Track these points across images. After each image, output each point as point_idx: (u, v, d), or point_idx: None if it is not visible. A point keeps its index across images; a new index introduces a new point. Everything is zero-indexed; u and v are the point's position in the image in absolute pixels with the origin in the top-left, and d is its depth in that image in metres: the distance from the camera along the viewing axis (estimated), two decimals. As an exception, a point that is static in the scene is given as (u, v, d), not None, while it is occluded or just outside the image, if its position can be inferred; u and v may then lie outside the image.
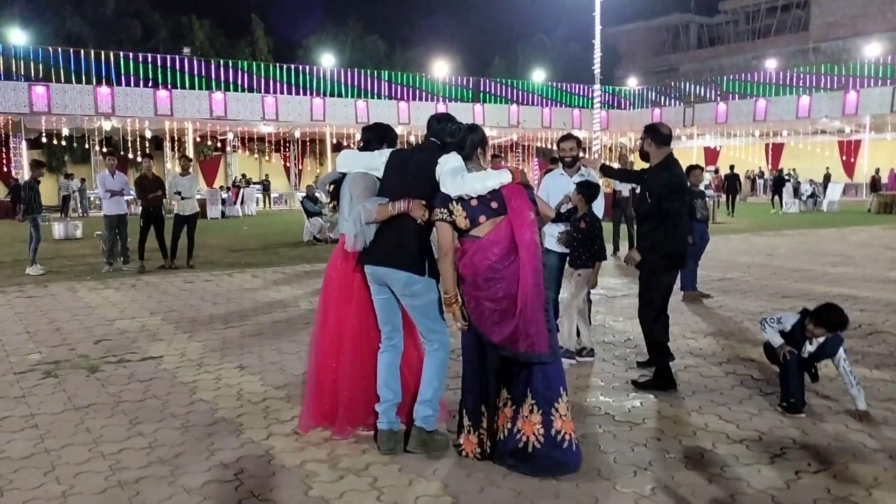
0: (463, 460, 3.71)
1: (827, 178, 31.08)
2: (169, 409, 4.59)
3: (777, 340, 4.52)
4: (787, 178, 31.14)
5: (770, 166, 39.43)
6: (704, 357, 5.72)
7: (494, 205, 3.60)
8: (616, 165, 16.13)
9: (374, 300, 3.92)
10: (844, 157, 36.99)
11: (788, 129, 37.75)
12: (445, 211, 3.64)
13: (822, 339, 4.41)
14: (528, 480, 3.47)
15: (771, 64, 44.17)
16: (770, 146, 40.23)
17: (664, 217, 4.69)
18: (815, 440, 3.96)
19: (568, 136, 5.81)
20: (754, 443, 3.93)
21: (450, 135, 3.88)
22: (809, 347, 4.45)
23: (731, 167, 27.29)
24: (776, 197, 26.88)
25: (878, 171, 28.82)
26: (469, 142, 3.80)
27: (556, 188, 5.70)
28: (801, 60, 46.24)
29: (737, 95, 39.12)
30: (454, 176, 3.63)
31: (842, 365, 4.30)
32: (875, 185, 27.40)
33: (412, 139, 31.24)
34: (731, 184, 24.66)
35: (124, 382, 5.15)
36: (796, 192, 27.64)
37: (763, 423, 4.23)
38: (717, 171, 31.14)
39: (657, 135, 4.83)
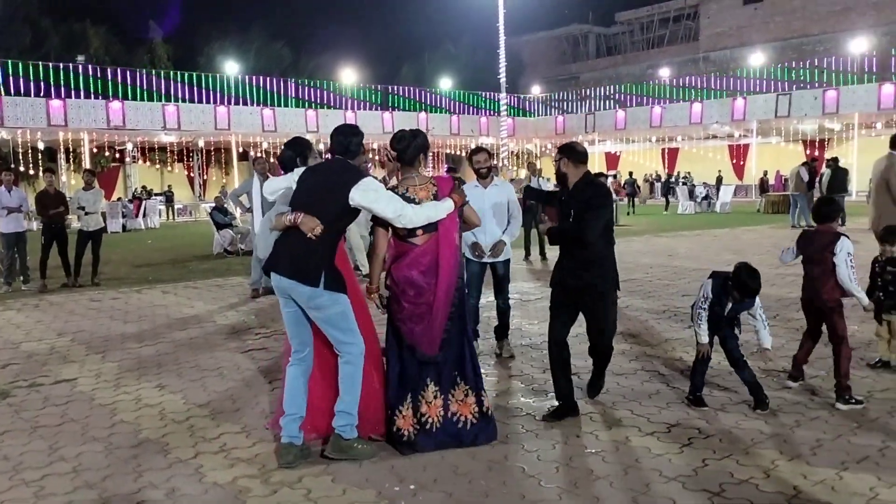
0: (395, 467, 3.82)
1: (719, 180, 32.84)
2: (90, 431, 4.49)
3: (704, 339, 4.64)
4: (683, 181, 32.83)
5: (667, 170, 41.34)
6: (615, 356, 6.01)
7: None
8: (524, 173, 16.60)
9: (282, 313, 3.99)
10: (734, 161, 39.15)
11: (682, 135, 39.66)
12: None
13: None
14: (458, 483, 3.62)
15: (665, 72, 46.31)
16: (666, 151, 42.14)
17: (583, 228, 4.33)
18: (718, 429, 4.29)
19: (479, 149, 6.01)
20: (664, 434, 4.23)
21: (397, 141, 4.07)
22: (729, 305, 4.70)
23: (630, 173, 29.61)
24: (667, 199, 28.88)
25: (766, 173, 30.69)
26: (412, 148, 4.04)
27: (472, 200, 5.86)
28: (693, 69, 48.69)
29: (634, 102, 40.82)
30: (403, 208, 3.82)
31: (758, 312, 4.72)
32: (763, 186, 29.17)
33: (321, 147, 31.02)
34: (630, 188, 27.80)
35: (39, 407, 5.00)
36: (691, 195, 29.11)
37: (671, 415, 4.54)
38: (615, 177, 32.63)
39: (573, 154, 4.53)
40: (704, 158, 39.40)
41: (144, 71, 32.53)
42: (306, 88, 36.33)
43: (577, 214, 4.40)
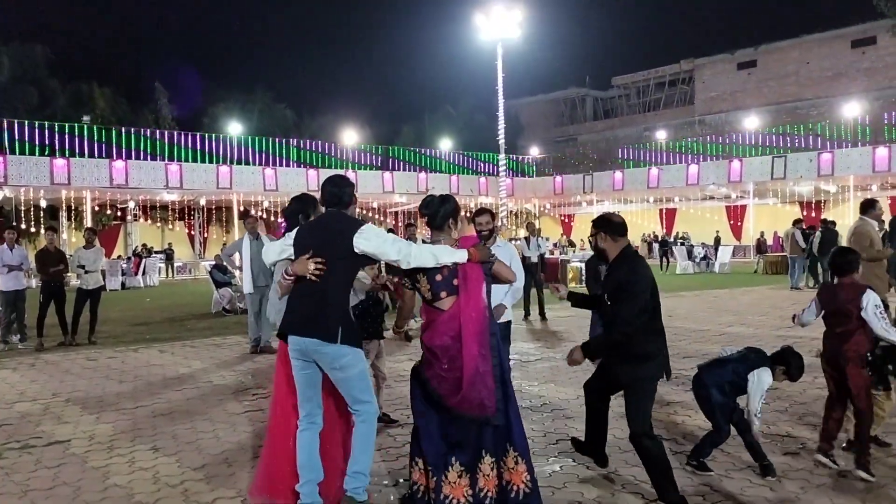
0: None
1: (717, 240, 32.94)
2: (81, 496, 4.40)
3: (759, 425, 4.62)
4: (681, 241, 32.91)
5: (664, 230, 41.62)
6: (616, 419, 5.92)
7: (455, 282, 3.80)
8: (523, 233, 16.70)
9: (295, 376, 3.89)
10: (732, 221, 39.43)
11: (680, 196, 40.05)
12: (408, 281, 3.93)
13: None
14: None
15: (661, 135, 47.04)
16: (664, 211, 42.49)
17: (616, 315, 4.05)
18: (724, 494, 4.21)
19: (483, 211, 6.02)
20: (668, 501, 4.13)
21: (424, 206, 4.03)
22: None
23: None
24: (663, 259, 28.53)
25: (762, 234, 30.87)
26: (441, 213, 3.98)
27: None
28: (689, 132, 49.47)
29: (632, 163, 41.35)
30: (407, 247, 3.77)
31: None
32: (760, 247, 29.28)
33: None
34: None
35: (31, 469, 4.91)
36: (690, 255, 29.17)
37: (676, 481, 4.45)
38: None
39: (610, 227, 4.16)
40: (702, 219, 39.70)
41: (148, 130, 33.01)
42: (307, 148, 36.87)
43: (611, 299, 4.08)
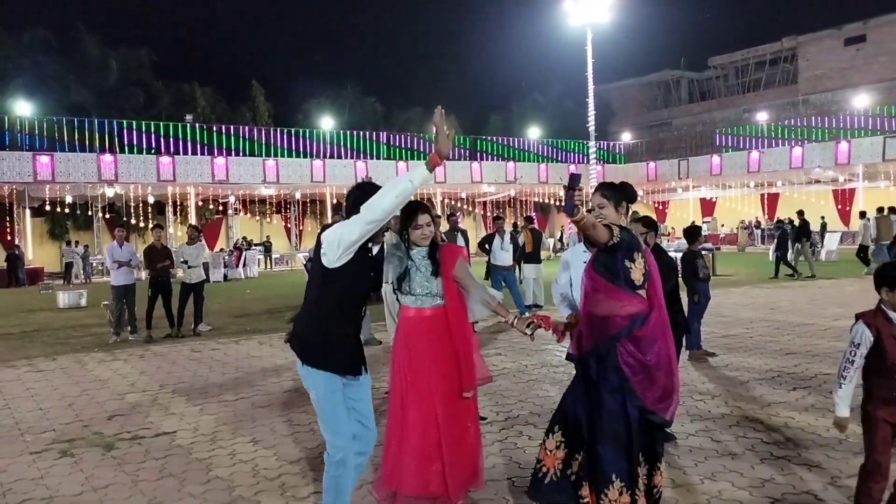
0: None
1: (823, 226, 31.32)
2: (186, 487, 4.62)
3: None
4: (776, 227, 31.30)
5: (766, 216, 39.90)
6: (714, 420, 5.75)
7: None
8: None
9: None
10: (840, 206, 37.39)
11: (782, 180, 38.29)
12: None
13: None
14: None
15: (762, 116, 45.02)
16: (765, 196, 40.74)
17: None
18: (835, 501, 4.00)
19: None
20: (769, 510, 3.97)
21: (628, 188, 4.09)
22: None
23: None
24: (797, 246, 25.40)
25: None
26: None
27: (574, 263, 4.78)
28: (792, 112, 47.14)
29: (730, 147, 39.80)
30: (365, 214, 3.49)
31: None
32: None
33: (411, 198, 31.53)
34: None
35: (140, 460, 5.18)
36: (793, 243, 27.72)
37: (776, 489, 4.26)
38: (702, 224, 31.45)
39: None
40: (807, 204, 37.74)
41: (247, 128, 34.26)
42: (397, 139, 37.35)
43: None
